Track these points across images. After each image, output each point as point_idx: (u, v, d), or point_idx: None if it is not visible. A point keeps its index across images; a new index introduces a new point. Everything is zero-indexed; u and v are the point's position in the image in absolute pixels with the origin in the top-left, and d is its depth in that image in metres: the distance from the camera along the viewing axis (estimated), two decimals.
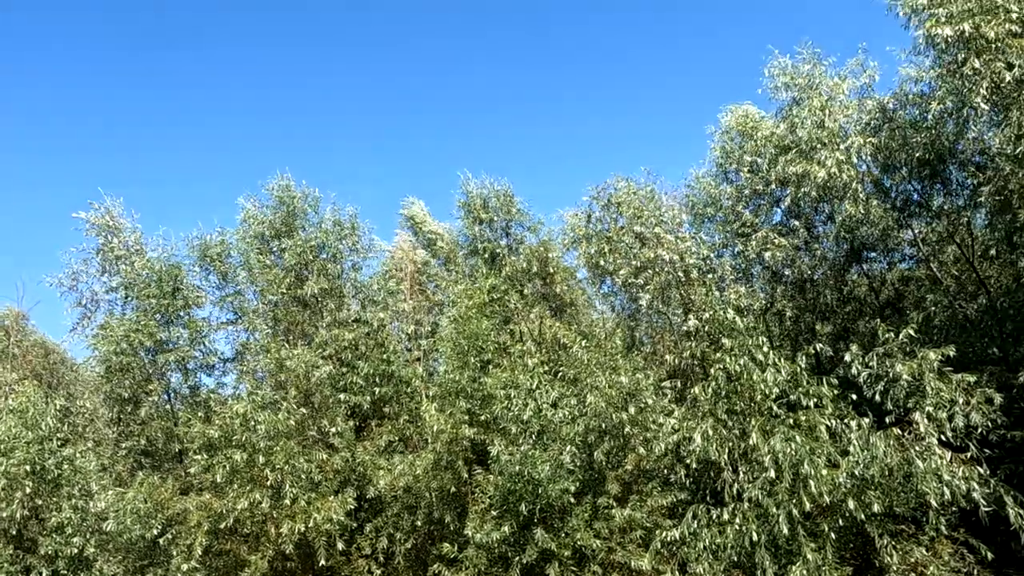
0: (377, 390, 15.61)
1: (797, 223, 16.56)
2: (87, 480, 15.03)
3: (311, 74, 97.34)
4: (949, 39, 11.35)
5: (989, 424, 11.50)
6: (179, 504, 14.00)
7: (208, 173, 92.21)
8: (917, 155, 15.01)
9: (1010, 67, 10.87)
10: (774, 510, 11.40)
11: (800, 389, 12.65)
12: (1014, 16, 10.88)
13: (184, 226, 31.86)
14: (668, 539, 12.42)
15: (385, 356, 15.89)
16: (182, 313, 15.99)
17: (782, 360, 12.84)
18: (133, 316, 15.42)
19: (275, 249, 17.35)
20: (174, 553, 13.66)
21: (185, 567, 13.41)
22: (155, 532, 13.86)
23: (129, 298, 16.34)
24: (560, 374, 14.95)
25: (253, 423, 13.59)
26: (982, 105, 11.27)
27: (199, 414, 14.61)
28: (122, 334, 14.83)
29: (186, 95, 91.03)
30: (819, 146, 14.83)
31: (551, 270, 17.30)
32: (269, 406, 14.32)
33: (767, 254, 15.77)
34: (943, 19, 11.36)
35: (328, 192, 18.67)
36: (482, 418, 14.43)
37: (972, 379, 11.67)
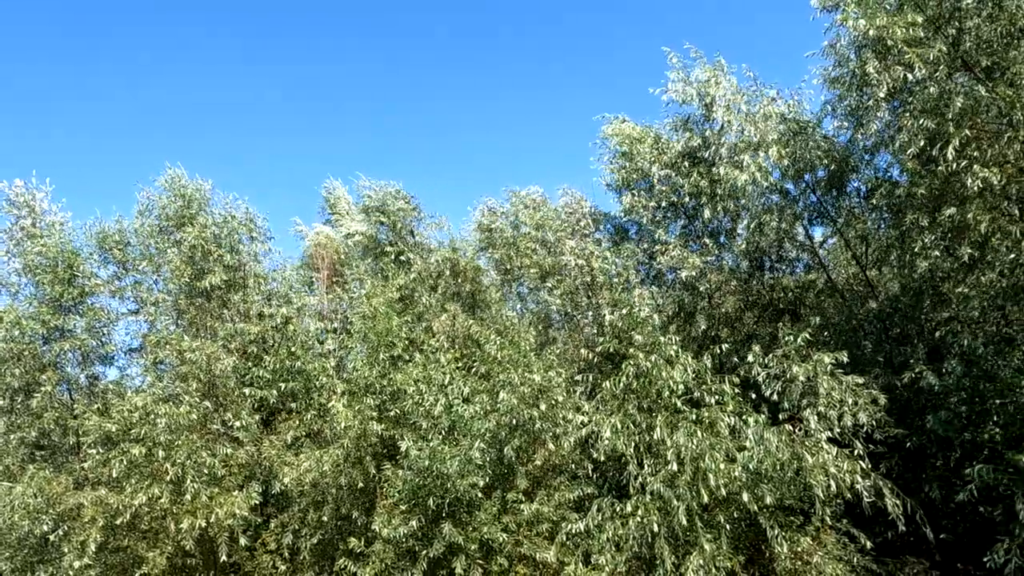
0: (284, 385, 15.33)
1: (708, 239, 17.02)
2: None
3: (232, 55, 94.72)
4: (853, 39, 11.93)
5: (874, 423, 12.26)
6: (72, 499, 13.38)
7: (112, 156, 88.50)
8: (822, 163, 15.77)
9: (909, 68, 11.52)
10: (675, 502, 11.80)
11: (704, 387, 13.14)
12: (919, 20, 11.53)
13: (83, 212, 30.37)
14: (573, 531, 12.71)
15: (292, 350, 15.64)
16: (79, 301, 15.29)
17: (690, 358, 13.31)
18: (25, 303, 14.68)
19: (171, 242, 16.79)
20: (66, 550, 13.06)
21: (77, 564, 12.81)
22: (46, 528, 13.23)
23: (29, 282, 15.59)
24: (473, 370, 15.05)
25: (153, 416, 13.14)
26: (882, 104, 11.92)
27: (95, 406, 14.01)
28: (12, 320, 14.09)
29: (87, 72, 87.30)
30: (734, 155, 15.33)
31: (460, 267, 17.40)
32: (171, 399, 13.86)
33: (683, 273, 16.21)
34: (856, 16, 11.89)
35: (229, 180, 18.27)
36: (392, 414, 14.38)
37: (860, 380, 12.40)
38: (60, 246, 15.30)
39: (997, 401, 11.74)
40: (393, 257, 18.05)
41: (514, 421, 13.92)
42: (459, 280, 17.34)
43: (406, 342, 15.32)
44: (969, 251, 11.85)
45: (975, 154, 11.43)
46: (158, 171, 17.41)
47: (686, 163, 16.42)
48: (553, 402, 13.97)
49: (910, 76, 11.55)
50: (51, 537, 13.27)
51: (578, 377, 15.40)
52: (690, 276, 16.25)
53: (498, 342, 14.85)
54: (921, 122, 11.63)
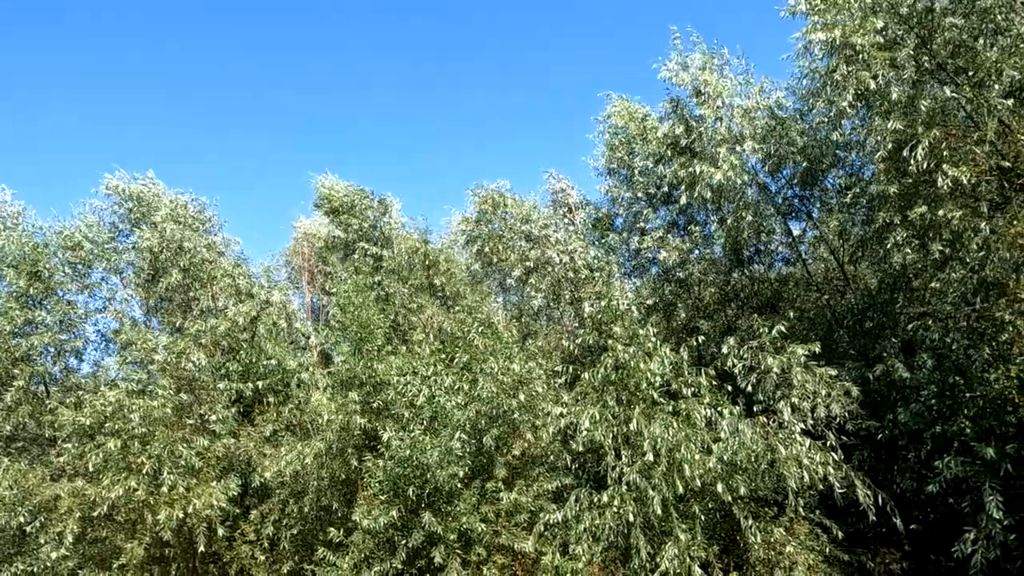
0: (261, 382, 15.33)
1: (693, 227, 17.11)
2: None
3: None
4: (822, 45, 12.13)
5: (847, 415, 12.43)
6: (49, 490, 13.36)
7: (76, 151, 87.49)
8: (800, 159, 15.90)
9: (874, 77, 11.72)
10: (651, 493, 11.90)
11: (681, 379, 13.22)
12: (880, 26, 11.74)
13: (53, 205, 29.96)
14: (551, 522, 12.81)
15: (265, 345, 15.62)
16: (47, 297, 15.15)
17: (667, 351, 13.40)
18: None
19: (128, 243, 16.62)
20: (43, 541, 13.04)
21: (55, 555, 12.84)
22: (22, 520, 13.19)
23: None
24: (455, 360, 15.09)
25: (126, 410, 13.09)
26: (847, 110, 12.09)
27: (69, 400, 13.93)
28: None
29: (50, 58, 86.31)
30: (714, 148, 15.41)
31: (430, 261, 17.43)
32: (145, 392, 13.83)
33: (662, 254, 16.27)
34: (818, 26, 12.10)
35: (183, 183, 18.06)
36: (374, 405, 14.43)
37: (834, 373, 12.54)
38: (24, 239, 15.15)
39: (967, 395, 11.93)
40: (363, 253, 18.14)
41: (494, 411, 14.01)
42: (430, 272, 17.35)
43: (389, 332, 15.35)
44: (940, 248, 12.02)
45: (945, 153, 11.59)
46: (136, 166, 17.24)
47: (670, 152, 16.43)
48: (533, 393, 14.07)
49: (872, 84, 11.71)
50: (28, 529, 13.23)
51: (558, 369, 15.48)
52: (671, 260, 16.29)
53: (480, 330, 14.91)
54: (890, 124, 11.78)
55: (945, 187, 11.29)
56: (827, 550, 12.42)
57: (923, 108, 11.55)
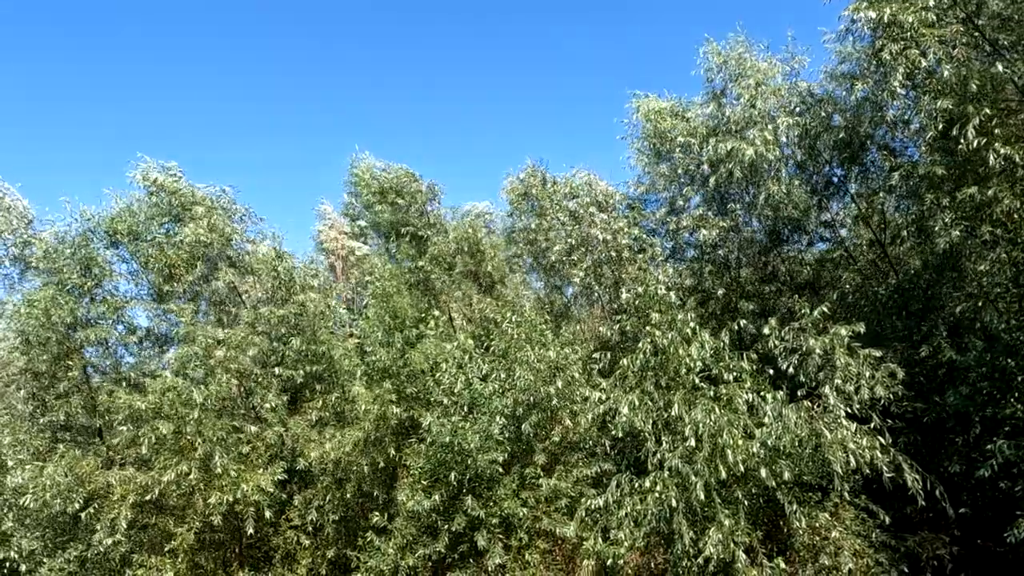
0: (310, 368, 15.55)
1: (733, 205, 16.94)
2: (1, 454, 14.55)
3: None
4: (870, 24, 11.85)
5: (892, 397, 12.17)
6: (101, 478, 13.72)
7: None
8: (839, 138, 15.60)
9: (923, 54, 11.43)
10: (693, 478, 11.83)
11: (722, 364, 13.08)
12: (931, 4, 11.43)
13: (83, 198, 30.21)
14: (592, 507, 12.80)
15: (314, 334, 15.81)
16: (97, 288, 15.47)
17: (707, 336, 13.27)
18: (50, 290, 14.83)
19: (166, 236, 16.79)
20: (97, 527, 13.40)
21: (109, 541, 13.20)
22: (76, 507, 13.56)
23: (36, 272, 15.81)
24: (491, 348, 15.14)
25: (177, 395, 13.36)
26: (898, 90, 11.81)
27: (123, 387, 14.26)
28: (42, 308, 14.31)
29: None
30: (748, 125, 15.22)
31: (480, 248, 17.44)
32: (199, 381, 14.12)
33: (701, 233, 16.10)
34: (864, 5, 11.83)
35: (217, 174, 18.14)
36: (409, 392, 14.57)
37: (878, 354, 12.27)
38: (74, 232, 15.49)
39: (1019, 377, 11.64)
40: (408, 238, 18.20)
41: (531, 398, 14.04)
42: (476, 259, 17.38)
43: (428, 318, 15.45)
44: (990, 229, 11.70)
45: (996, 131, 11.25)
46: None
47: (705, 131, 16.30)
48: (570, 379, 14.06)
49: (924, 63, 11.43)
50: (82, 516, 13.59)
51: (596, 356, 15.44)
52: (709, 240, 16.12)
53: (514, 319, 14.92)
54: (939, 103, 11.47)
55: (997, 166, 10.96)
56: (873, 535, 12.25)
57: (974, 86, 11.24)
